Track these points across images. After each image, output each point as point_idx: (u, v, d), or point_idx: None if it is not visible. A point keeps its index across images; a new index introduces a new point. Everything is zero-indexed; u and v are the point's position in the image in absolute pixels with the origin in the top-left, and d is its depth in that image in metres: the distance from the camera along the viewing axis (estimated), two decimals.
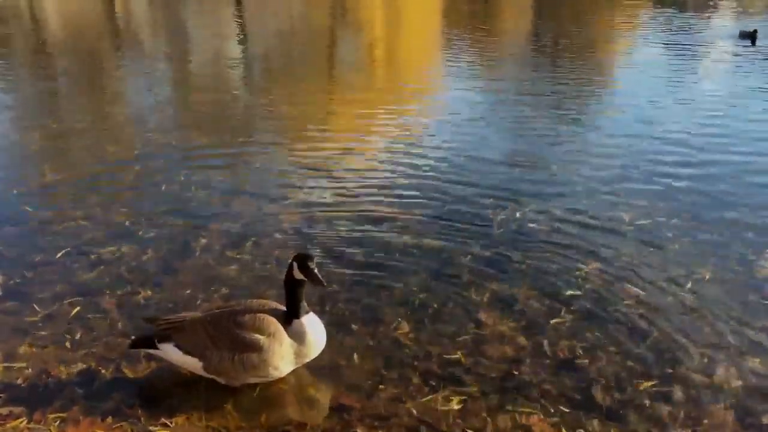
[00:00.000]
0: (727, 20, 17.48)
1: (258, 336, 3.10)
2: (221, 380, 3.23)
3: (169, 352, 3.23)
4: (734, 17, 18.23)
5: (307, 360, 3.25)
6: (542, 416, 3.10)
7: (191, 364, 3.21)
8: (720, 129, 7.52)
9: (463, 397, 3.22)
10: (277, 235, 4.93)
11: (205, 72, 12.00)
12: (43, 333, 3.73)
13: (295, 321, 3.16)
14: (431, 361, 3.49)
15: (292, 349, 3.15)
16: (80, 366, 3.45)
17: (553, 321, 3.83)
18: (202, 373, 3.22)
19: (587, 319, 3.85)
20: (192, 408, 3.15)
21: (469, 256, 4.58)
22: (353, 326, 3.79)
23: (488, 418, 3.09)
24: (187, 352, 3.19)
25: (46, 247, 4.75)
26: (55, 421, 3.08)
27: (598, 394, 3.25)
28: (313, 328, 3.19)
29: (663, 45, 13.32)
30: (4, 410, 3.14)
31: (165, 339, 3.23)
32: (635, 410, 3.15)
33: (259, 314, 3.16)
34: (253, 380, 3.23)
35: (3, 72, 11.64)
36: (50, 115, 8.69)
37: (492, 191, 5.72)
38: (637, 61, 11.74)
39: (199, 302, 4.01)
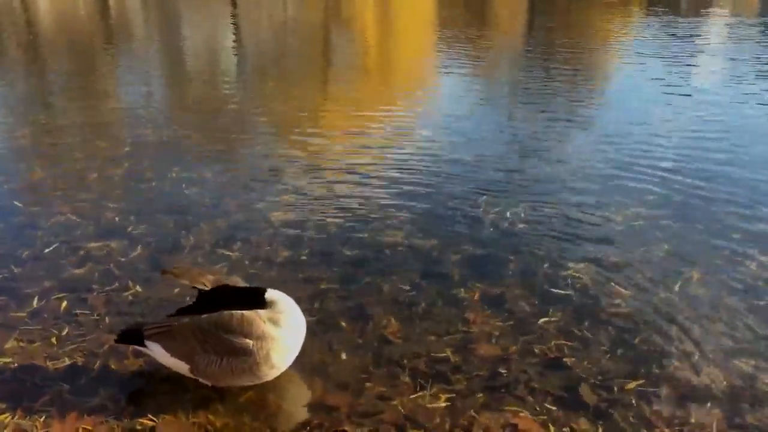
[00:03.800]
0: (722, 27, 17.56)
1: (247, 341, 3.08)
2: (208, 382, 3.22)
3: (156, 351, 3.22)
4: (729, 24, 18.31)
5: (302, 337, 3.23)
6: (529, 414, 3.11)
7: (178, 366, 3.20)
8: (712, 133, 7.54)
9: (451, 395, 3.23)
10: (268, 233, 4.92)
11: (197, 69, 11.97)
12: (30, 328, 3.72)
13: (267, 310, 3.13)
14: (419, 359, 3.49)
15: (285, 338, 3.13)
16: (67, 362, 3.44)
17: (541, 320, 3.84)
18: (188, 375, 3.21)
19: (576, 318, 3.86)
20: (179, 405, 3.14)
21: (459, 255, 4.59)
22: (342, 324, 3.79)
23: (476, 416, 3.10)
24: (174, 355, 3.17)
25: (34, 242, 4.74)
26: (41, 417, 3.06)
27: (585, 392, 3.26)
28: (285, 305, 3.17)
29: (657, 50, 13.37)
30: None
31: (153, 338, 3.21)
32: (622, 409, 3.16)
33: (246, 316, 3.12)
34: (245, 383, 3.20)
35: None
36: (41, 111, 8.66)
37: (483, 190, 5.73)
38: (631, 66, 11.77)
39: (188, 299, 4.00)
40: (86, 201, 5.47)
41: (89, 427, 3.01)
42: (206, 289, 3.12)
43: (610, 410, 3.15)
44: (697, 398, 3.23)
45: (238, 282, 3.25)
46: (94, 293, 4.08)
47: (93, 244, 4.70)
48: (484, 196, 5.60)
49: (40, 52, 13.44)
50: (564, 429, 3.04)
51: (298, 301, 3.27)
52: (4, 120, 8.27)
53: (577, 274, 4.34)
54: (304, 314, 3.27)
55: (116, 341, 3.33)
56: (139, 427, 3.02)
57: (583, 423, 3.07)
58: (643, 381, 3.34)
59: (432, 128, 7.71)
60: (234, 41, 15.63)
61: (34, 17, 19.51)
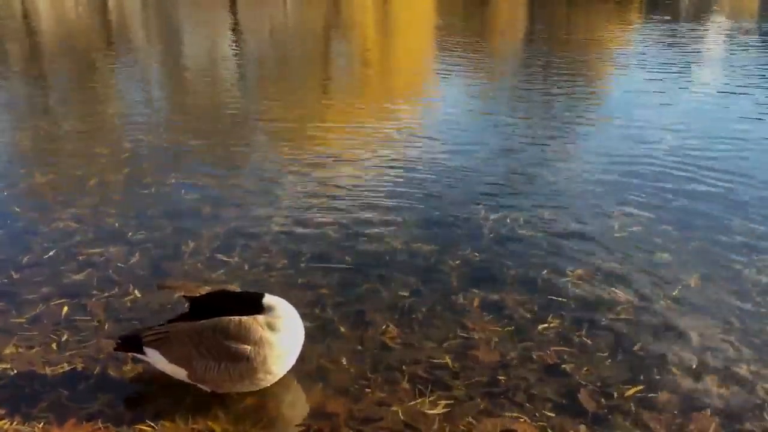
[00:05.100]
0: (721, 33, 17.60)
1: (245, 346, 3.07)
2: (206, 388, 3.22)
3: (155, 358, 3.21)
4: (729, 29, 18.36)
5: (300, 342, 3.22)
6: (528, 421, 3.10)
7: (176, 372, 3.20)
8: (712, 139, 7.57)
9: (450, 401, 3.22)
10: (267, 239, 4.92)
11: (197, 74, 11.99)
12: (29, 334, 3.72)
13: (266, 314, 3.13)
14: (419, 365, 3.49)
15: (283, 343, 3.12)
16: (66, 367, 3.44)
17: (541, 326, 3.84)
18: (187, 380, 3.20)
19: (575, 324, 3.86)
20: (178, 411, 3.14)
21: (458, 261, 4.59)
22: (341, 330, 3.79)
23: (475, 422, 3.09)
24: (172, 361, 3.17)
25: (33, 248, 4.74)
26: (40, 423, 3.06)
27: (584, 399, 3.26)
28: (283, 310, 3.15)
29: (656, 56, 13.40)
30: None
31: (151, 344, 3.21)
32: (621, 415, 3.15)
33: (244, 321, 3.12)
34: (243, 389, 3.20)
35: None
36: (40, 116, 8.67)
37: (482, 196, 5.74)
38: (630, 73, 11.80)
39: (187, 305, 3.99)
40: (86, 207, 5.47)
41: None
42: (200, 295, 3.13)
43: (609, 416, 3.14)
44: (697, 405, 3.23)
45: (236, 290, 3.26)
46: (94, 299, 4.07)
47: (92, 250, 4.71)
48: (484, 203, 5.61)
49: (40, 57, 13.47)
50: None
51: (297, 306, 3.28)
52: (4, 125, 8.28)
53: (577, 281, 4.34)
54: (303, 320, 3.28)
55: (115, 349, 3.32)
56: None
57: (583, 429, 3.06)
58: (643, 387, 3.34)
59: (431, 134, 7.72)
60: (233, 45, 15.66)
61: (34, 22, 19.55)
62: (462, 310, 4.00)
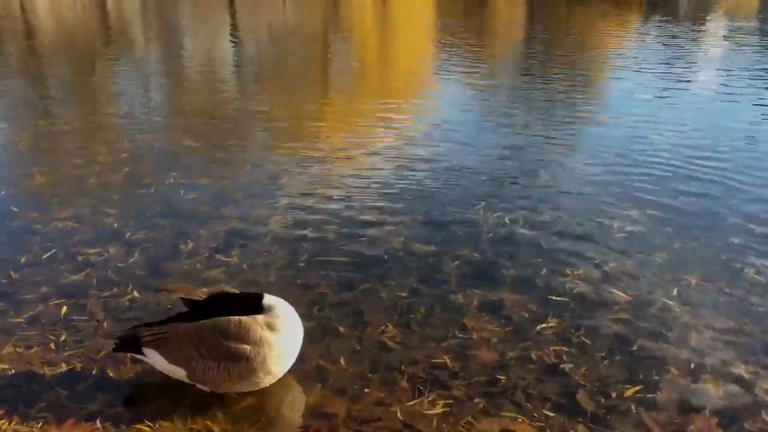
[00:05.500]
0: (721, 33, 17.61)
1: (244, 346, 3.07)
2: (205, 388, 3.21)
3: (154, 358, 3.21)
4: (728, 29, 18.36)
5: (299, 342, 3.22)
6: (527, 421, 3.10)
7: (176, 372, 3.19)
8: (711, 140, 7.58)
9: (449, 401, 3.22)
10: (266, 239, 4.92)
11: (196, 74, 11.98)
12: (27, 334, 3.71)
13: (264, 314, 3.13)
14: (418, 365, 3.49)
15: (282, 343, 3.12)
16: (65, 367, 3.44)
17: (540, 326, 3.84)
18: (186, 380, 3.20)
19: (573, 324, 3.86)
20: (177, 411, 3.13)
21: (457, 261, 4.59)
22: (340, 330, 3.79)
23: (473, 422, 3.09)
24: (171, 361, 3.17)
25: (32, 247, 4.74)
26: (39, 423, 3.05)
27: (583, 399, 3.26)
28: (282, 310, 3.15)
29: (656, 57, 13.41)
30: None
31: (150, 344, 3.21)
32: (620, 415, 3.15)
33: (243, 321, 3.12)
34: (243, 389, 3.20)
35: None
36: (39, 116, 8.66)
37: (481, 197, 5.74)
38: (630, 73, 11.81)
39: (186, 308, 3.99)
40: (84, 206, 5.47)
41: None
42: (200, 299, 3.13)
43: (608, 416, 3.14)
44: (696, 405, 3.23)
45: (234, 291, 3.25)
46: (92, 299, 4.07)
47: (91, 250, 4.70)
48: (483, 202, 5.61)
49: (39, 57, 13.46)
50: None
51: (296, 306, 3.28)
52: (3, 125, 8.27)
53: (576, 280, 4.35)
54: (302, 320, 3.27)
55: (114, 349, 3.32)
56: None
57: (581, 429, 3.06)
58: (642, 387, 3.34)
59: (430, 135, 7.72)
60: (232, 45, 15.66)
61: (33, 22, 19.54)
62: (461, 310, 4.00)
